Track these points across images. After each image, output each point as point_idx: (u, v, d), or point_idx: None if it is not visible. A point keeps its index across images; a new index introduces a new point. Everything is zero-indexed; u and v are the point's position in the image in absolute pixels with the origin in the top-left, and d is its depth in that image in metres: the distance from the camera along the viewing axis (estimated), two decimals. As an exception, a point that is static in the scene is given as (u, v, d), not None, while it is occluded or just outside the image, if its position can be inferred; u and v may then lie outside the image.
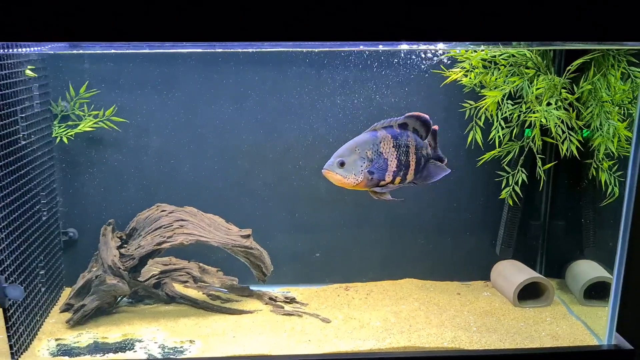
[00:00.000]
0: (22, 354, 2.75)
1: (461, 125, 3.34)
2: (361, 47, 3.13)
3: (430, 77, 3.29)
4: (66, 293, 3.38)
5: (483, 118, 3.26)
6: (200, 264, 3.37)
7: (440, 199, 3.56)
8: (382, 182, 2.53)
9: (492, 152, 3.30)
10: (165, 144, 3.35)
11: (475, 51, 3.11)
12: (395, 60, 3.28)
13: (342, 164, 2.45)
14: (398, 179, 2.57)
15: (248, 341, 2.90)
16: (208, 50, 3.23)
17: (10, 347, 2.63)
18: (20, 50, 2.76)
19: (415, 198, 3.51)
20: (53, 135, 3.23)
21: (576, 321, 3.14)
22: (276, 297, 3.27)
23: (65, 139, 3.22)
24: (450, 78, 3.21)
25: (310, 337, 2.93)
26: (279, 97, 3.34)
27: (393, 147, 2.51)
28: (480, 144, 3.30)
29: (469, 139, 3.31)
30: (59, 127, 3.25)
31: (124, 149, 3.35)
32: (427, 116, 2.62)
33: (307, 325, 3.05)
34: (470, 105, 3.27)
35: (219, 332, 3.00)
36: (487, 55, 3.12)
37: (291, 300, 3.27)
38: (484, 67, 3.17)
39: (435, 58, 3.25)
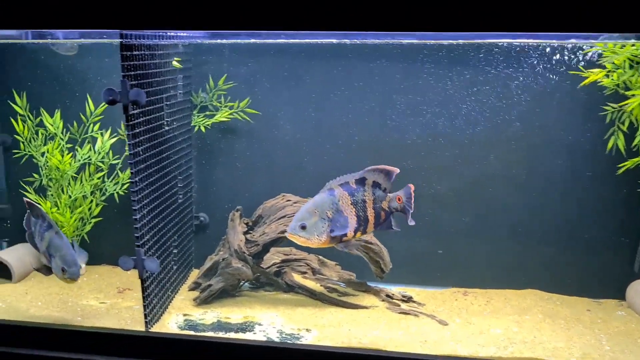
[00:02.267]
0: (154, 324, 2.95)
1: (601, 129, 3.14)
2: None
3: (567, 77, 3.12)
4: (195, 274, 3.59)
5: (627, 122, 3.03)
6: (320, 257, 3.43)
7: (573, 208, 3.35)
8: (345, 238, 2.58)
9: (636, 159, 3.05)
10: (293, 136, 3.47)
11: (623, 46, 2.89)
12: (531, 59, 3.15)
13: (303, 227, 2.52)
14: (359, 233, 2.62)
15: (363, 335, 2.90)
16: (341, 42, 3.28)
17: (145, 316, 2.84)
18: (169, 41, 2.98)
19: (544, 206, 3.33)
20: (192, 124, 3.46)
21: None
22: (393, 294, 3.25)
23: (202, 128, 3.44)
24: (589, 79, 3.01)
25: (426, 337, 2.87)
26: (407, 94, 3.33)
27: (351, 204, 2.56)
28: (622, 150, 3.06)
29: (609, 145, 3.09)
30: (197, 116, 3.47)
31: (254, 140, 3.50)
32: (390, 168, 2.61)
33: (424, 326, 2.99)
34: (613, 108, 3.06)
35: (334, 323, 3.04)
36: (638, 51, 2.89)
37: (408, 299, 3.23)
38: (630, 66, 2.95)
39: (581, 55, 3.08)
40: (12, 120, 3.45)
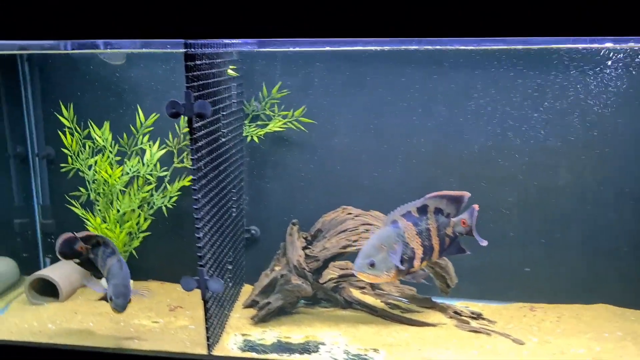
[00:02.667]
0: (214, 346, 2.82)
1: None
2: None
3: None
4: (246, 289, 3.46)
5: None
6: (378, 271, 3.28)
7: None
8: (412, 270, 2.47)
9: None
10: (349, 147, 3.32)
11: None
12: (606, 64, 2.99)
13: (372, 265, 2.39)
14: (424, 262, 2.51)
15: (435, 355, 2.75)
16: (396, 48, 3.13)
17: (207, 338, 2.70)
18: (227, 49, 2.85)
19: (614, 217, 3.18)
20: (244, 135, 3.32)
21: None
22: (461, 311, 3.09)
23: (256, 139, 3.30)
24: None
25: (503, 358, 2.72)
26: (470, 101, 3.17)
27: (416, 234, 2.45)
28: None
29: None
30: (249, 126, 3.33)
31: (307, 150, 3.36)
32: (457, 194, 2.51)
33: (498, 345, 2.84)
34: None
35: (402, 342, 2.89)
36: None
37: (477, 317, 3.08)
38: None
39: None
40: (59, 133, 3.32)
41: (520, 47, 2.99)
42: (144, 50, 2.96)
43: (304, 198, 3.41)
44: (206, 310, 2.65)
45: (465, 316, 3.07)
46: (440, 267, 3.04)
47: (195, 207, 2.53)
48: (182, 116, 2.78)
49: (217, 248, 2.86)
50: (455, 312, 3.09)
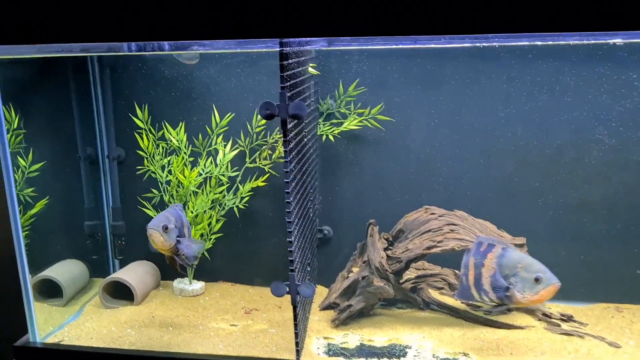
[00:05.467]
0: (300, 351, 2.77)
1: None
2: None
3: None
4: (318, 290, 3.40)
5: None
6: (456, 271, 3.20)
7: None
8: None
9: None
10: (427, 144, 3.23)
11: None
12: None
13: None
14: None
15: (529, 360, 2.67)
16: (475, 45, 3.04)
17: (296, 344, 2.65)
18: (307, 47, 2.77)
19: None
20: (318, 133, 3.24)
21: None
22: (551, 313, 3.00)
23: (331, 137, 3.22)
24: None
25: (602, 362, 2.63)
26: (554, 96, 3.06)
27: None
28: None
29: None
30: (323, 125, 3.25)
31: (381, 149, 3.27)
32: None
33: (594, 349, 2.74)
34: None
35: (492, 346, 2.80)
36: None
37: (568, 319, 2.98)
38: None
39: None
40: (135, 134, 3.28)
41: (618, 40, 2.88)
42: (238, 50, 2.89)
43: (378, 197, 3.32)
44: (295, 316, 2.60)
45: (556, 318, 2.98)
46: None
47: (287, 210, 2.46)
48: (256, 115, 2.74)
49: (302, 251, 2.80)
50: (544, 314, 3.00)
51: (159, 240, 2.69)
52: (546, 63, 3.03)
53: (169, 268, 3.52)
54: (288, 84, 2.37)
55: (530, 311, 3.05)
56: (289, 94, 2.35)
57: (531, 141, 3.14)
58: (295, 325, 2.61)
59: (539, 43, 2.89)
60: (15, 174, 2.80)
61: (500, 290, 2.49)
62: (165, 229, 2.70)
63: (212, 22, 2.21)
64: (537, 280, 2.40)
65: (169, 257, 2.84)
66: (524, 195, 3.22)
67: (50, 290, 3.28)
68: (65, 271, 3.36)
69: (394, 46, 3.06)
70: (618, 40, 2.86)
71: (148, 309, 3.24)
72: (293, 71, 2.48)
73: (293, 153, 2.52)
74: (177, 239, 2.78)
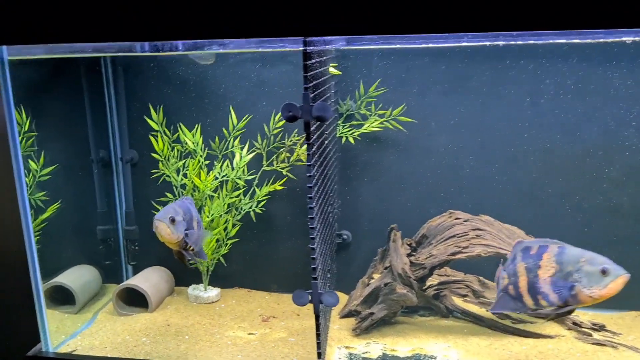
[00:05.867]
0: (323, 361, 2.67)
1: None
2: None
3: None
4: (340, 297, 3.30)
5: None
6: (480, 278, 3.10)
7: None
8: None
9: None
10: (450, 147, 3.13)
11: None
12: None
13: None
14: None
15: (561, 372, 2.56)
16: (500, 44, 2.93)
17: (319, 355, 2.55)
18: (332, 46, 2.67)
19: None
20: (337, 135, 3.14)
21: None
22: (581, 322, 2.88)
23: (351, 139, 3.12)
24: None
25: (638, 375, 2.52)
26: (584, 97, 2.95)
27: None
28: None
29: None
30: (343, 126, 3.15)
31: (403, 151, 3.17)
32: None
33: (628, 360, 2.64)
34: None
35: (521, 356, 2.69)
36: None
37: (600, 328, 2.86)
38: None
39: None
40: (150, 137, 3.19)
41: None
42: (260, 49, 2.79)
43: (399, 202, 3.22)
44: (318, 325, 2.50)
45: (587, 327, 2.86)
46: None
47: (310, 216, 2.36)
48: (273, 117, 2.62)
49: (323, 257, 2.70)
50: (574, 323, 2.88)
51: (165, 232, 2.54)
52: (577, 64, 2.93)
53: (184, 274, 3.45)
54: (311, 84, 2.27)
55: (560, 320, 2.93)
56: (311, 95, 2.25)
57: (559, 144, 3.03)
58: (318, 335, 2.51)
59: (576, 41, 2.78)
60: (27, 178, 2.71)
61: (564, 289, 2.29)
62: (173, 220, 2.56)
63: (233, 20, 2.11)
64: (604, 272, 2.19)
65: (177, 251, 2.70)
66: (551, 199, 3.11)
67: (62, 297, 3.19)
68: (78, 277, 3.27)
69: (415, 45, 2.97)
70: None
71: (163, 317, 3.15)
72: (316, 71, 2.38)
73: (315, 156, 2.42)
74: (186, 232, 2.66)
